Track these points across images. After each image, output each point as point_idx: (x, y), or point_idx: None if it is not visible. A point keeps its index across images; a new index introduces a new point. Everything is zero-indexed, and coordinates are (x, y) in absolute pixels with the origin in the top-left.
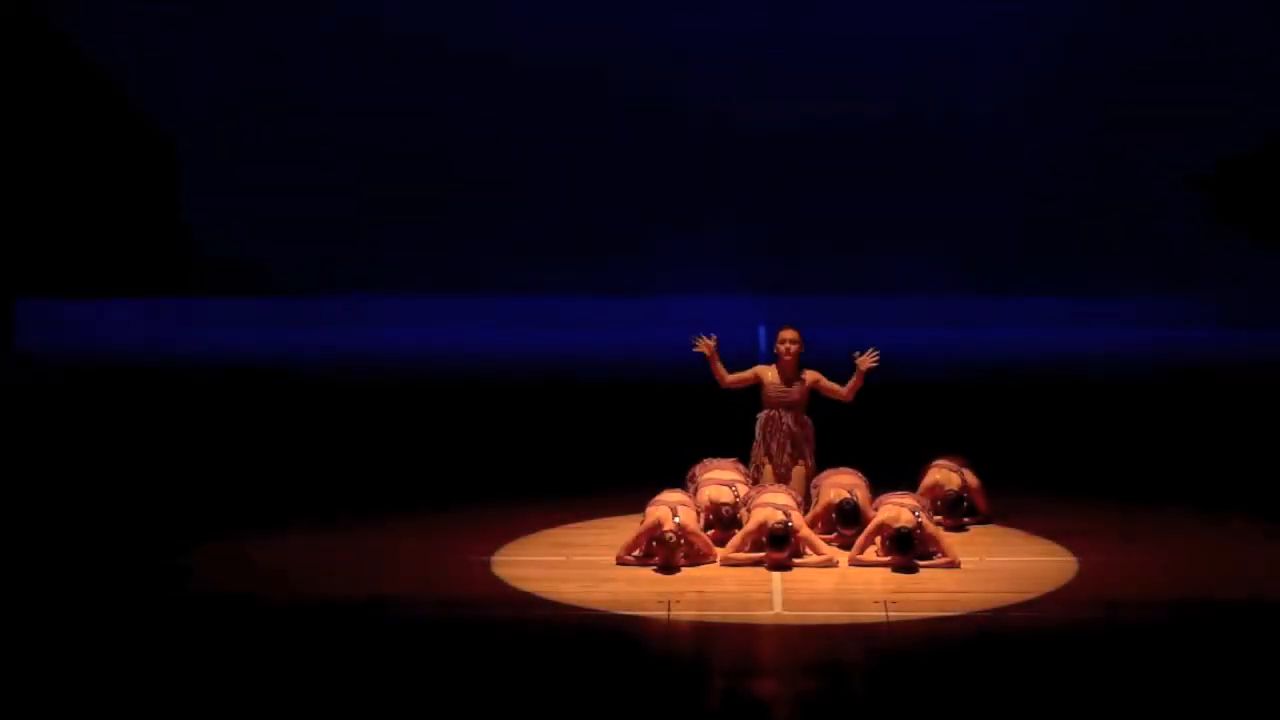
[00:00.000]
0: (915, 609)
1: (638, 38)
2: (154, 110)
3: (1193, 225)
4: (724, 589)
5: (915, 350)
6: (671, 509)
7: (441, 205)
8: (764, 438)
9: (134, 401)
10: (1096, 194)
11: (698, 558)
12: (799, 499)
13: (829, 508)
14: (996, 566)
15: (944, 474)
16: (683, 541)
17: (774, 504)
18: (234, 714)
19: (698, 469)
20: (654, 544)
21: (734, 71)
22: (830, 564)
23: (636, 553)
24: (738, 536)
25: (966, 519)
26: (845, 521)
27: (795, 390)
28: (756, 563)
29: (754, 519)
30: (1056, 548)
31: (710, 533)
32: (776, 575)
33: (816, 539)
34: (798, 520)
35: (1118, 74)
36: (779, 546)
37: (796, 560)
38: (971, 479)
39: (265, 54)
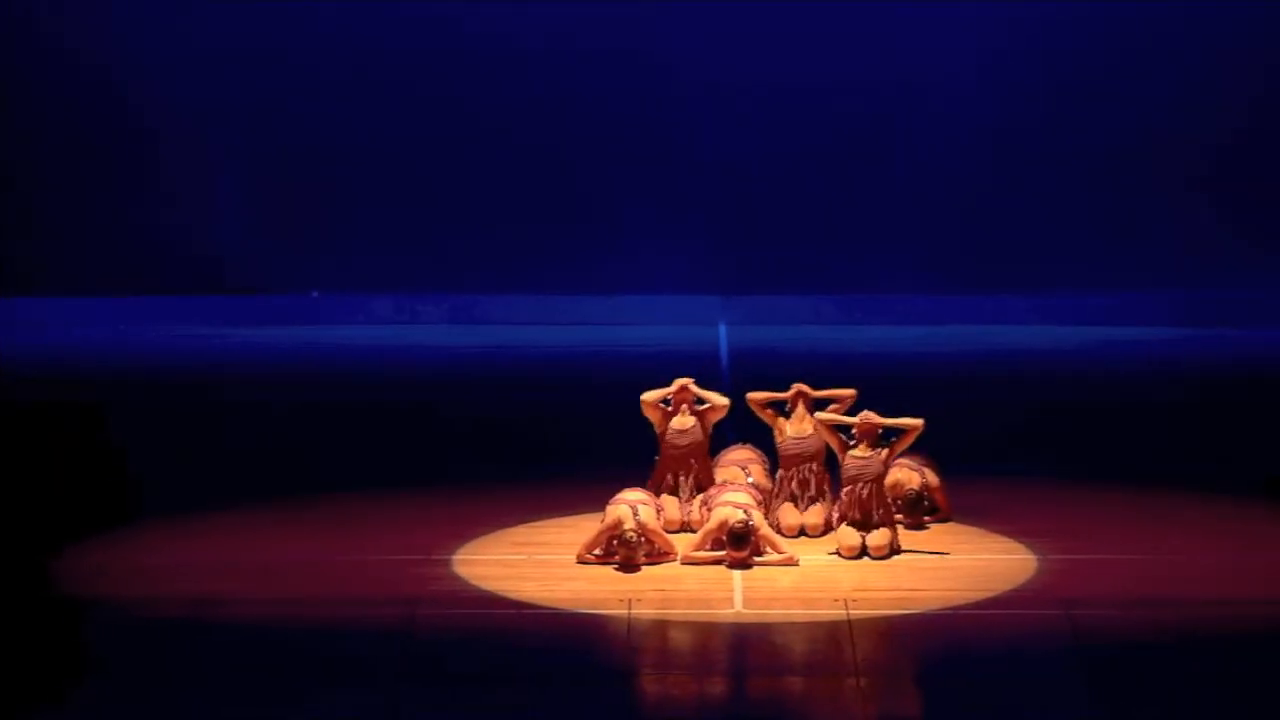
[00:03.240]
0: (875, 607)
1: (603, 33)
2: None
3: (1169, 222)
4: (685, 588)
5: (881, 348)
6: (632, 507)
7: (399, 203)
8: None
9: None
10: (1065, 188)
11: (659, 556)
12: (760, 497)
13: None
14: (957, 565)
15: (905, 473)
16: (643, 540)
17: (734, 502)
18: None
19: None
20: (614, 542)
21: (700, 67)
22: (791, 563)
23: (597, 551)
24: (699, 535)
25: (927, 518)
26: (736, 544)
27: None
28: (717, 561)
29: (714, 517)
30: (1017, 546)
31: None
32: (737, 574)
33: (776, 537)
34: (758, 519)
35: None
36: (739, 545)
37: (757, 559)
38: (932, 478)
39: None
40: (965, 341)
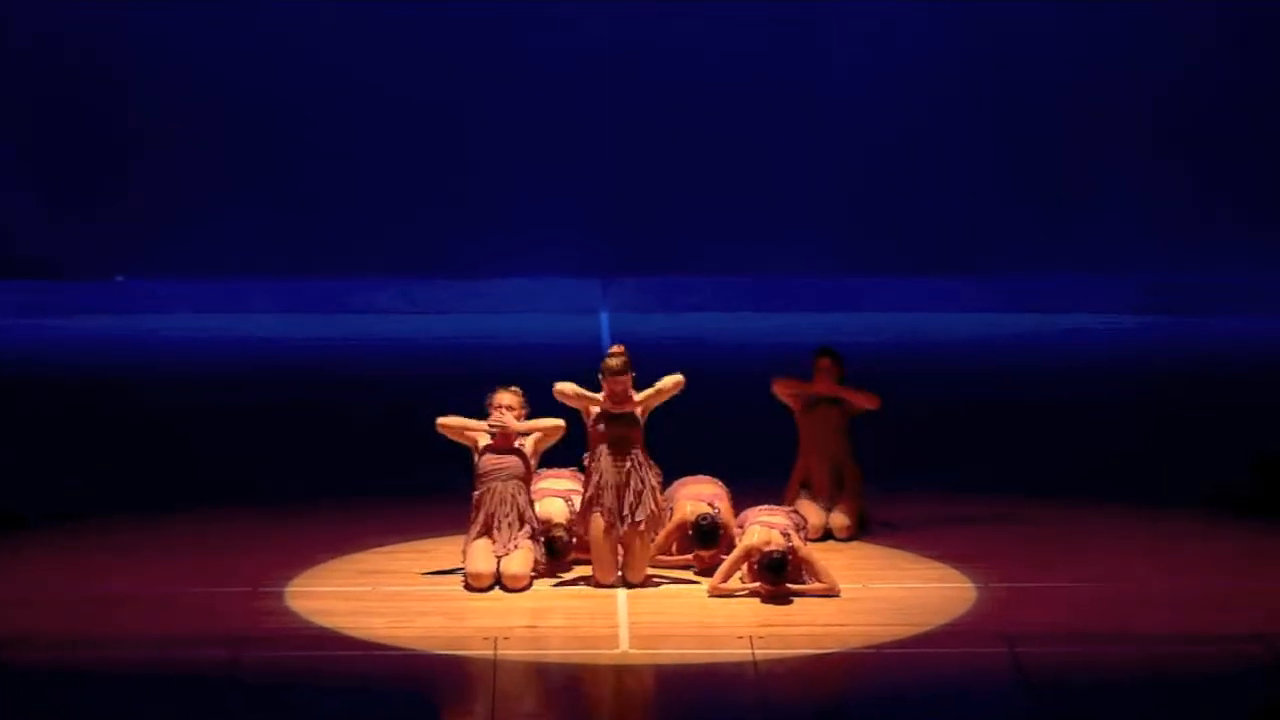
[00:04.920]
0: (786, 645)
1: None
2: None
3: (1127, 195)
4: (560, 624)
5: (788, 338)
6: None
7: (237, 182)
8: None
9: None
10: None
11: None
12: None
13: (683, 525)
14: (882, 595)
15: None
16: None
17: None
18: None
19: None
20: (491, 431)
21: (583, 33)
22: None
23: (468, 433)
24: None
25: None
26: (703, 541)
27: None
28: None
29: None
30: (951, 572)
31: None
32: (623, 606)
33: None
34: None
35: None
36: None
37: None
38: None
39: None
40: (885, 330)
